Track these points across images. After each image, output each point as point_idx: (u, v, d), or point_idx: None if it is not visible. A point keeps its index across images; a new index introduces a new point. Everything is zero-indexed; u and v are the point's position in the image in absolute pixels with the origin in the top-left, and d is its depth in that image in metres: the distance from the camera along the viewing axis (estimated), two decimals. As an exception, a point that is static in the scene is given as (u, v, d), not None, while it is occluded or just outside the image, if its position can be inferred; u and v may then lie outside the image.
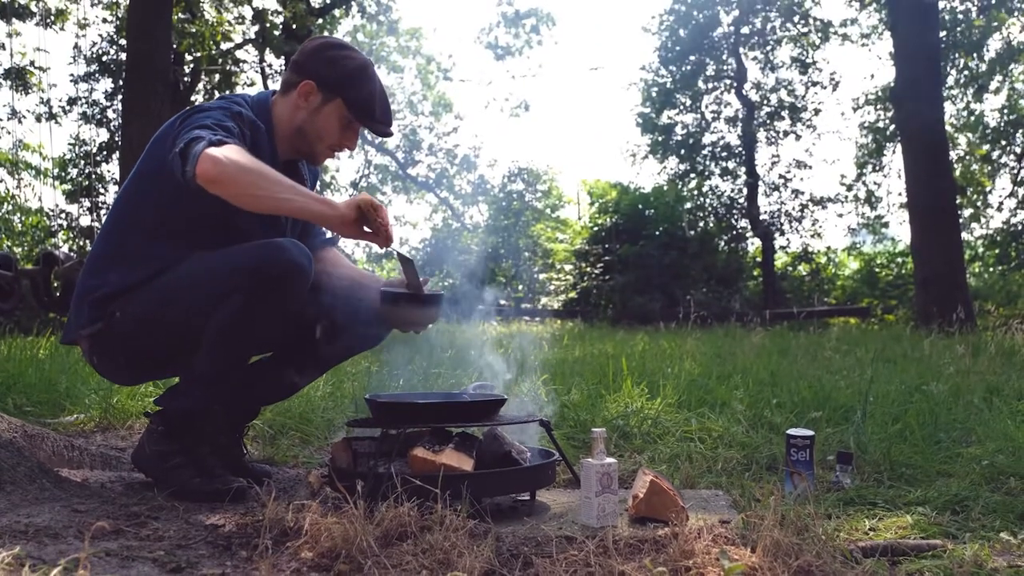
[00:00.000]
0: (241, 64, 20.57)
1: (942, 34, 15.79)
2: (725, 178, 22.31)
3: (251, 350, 2.61)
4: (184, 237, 2.60)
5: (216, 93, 19.66)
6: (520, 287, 21.92)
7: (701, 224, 20.75)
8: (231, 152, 2.31)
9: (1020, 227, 19.80)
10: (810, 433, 2.74)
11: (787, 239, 21.69)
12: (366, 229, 2.45)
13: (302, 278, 2.52)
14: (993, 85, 19.17)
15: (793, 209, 21.59)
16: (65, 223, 17.85)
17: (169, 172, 2.42)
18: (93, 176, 18.45)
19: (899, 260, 20.69)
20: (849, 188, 21.74)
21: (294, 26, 17.81)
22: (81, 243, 16.35)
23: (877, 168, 21.42)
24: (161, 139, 2.58)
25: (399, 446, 2.44)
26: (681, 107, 22.54)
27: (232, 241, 2.54)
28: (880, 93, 20.38)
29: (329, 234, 3.00)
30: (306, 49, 2.74)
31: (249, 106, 2.69)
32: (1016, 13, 17.53)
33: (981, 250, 20.74)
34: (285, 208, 2.40)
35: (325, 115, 2.70)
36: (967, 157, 20.27)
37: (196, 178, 2.29)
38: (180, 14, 15.49)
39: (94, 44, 18.43)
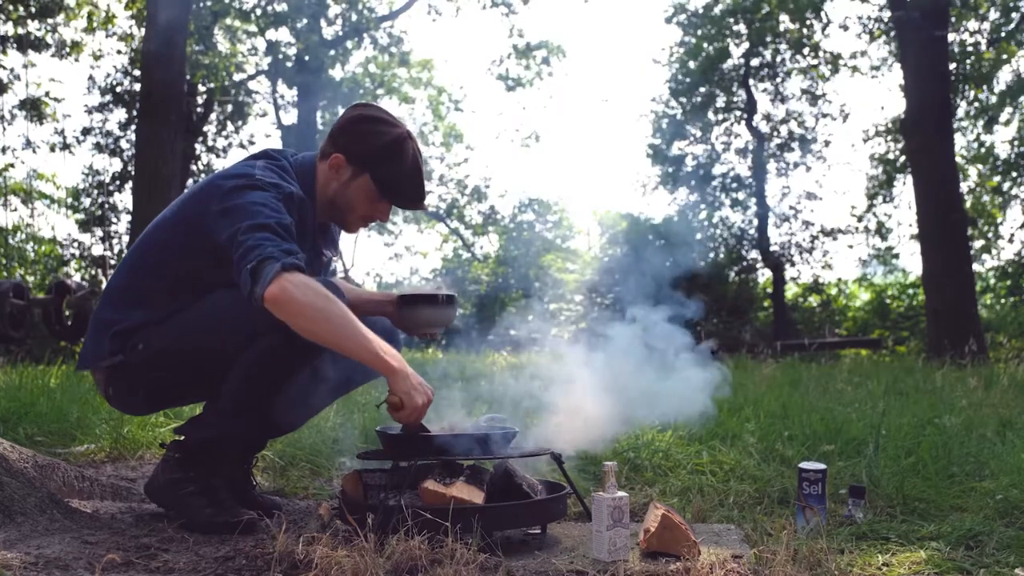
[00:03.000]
0: (254, 95, 20.80)
1: (952, 66, 15.80)
2: (735, 209, 22.34)
3: (282, 386, 2.60)
4: (208, 290, 2.60)
5: (228, 124, 19.88)
6: (530, 318, 21.91)
7: (711, 255, 20.75)
8: (300, 283, 2.31)
9: (1032, 259, 19.72)
10: (822, 466, 2.72)
11: (797, 270, 21.69)
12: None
13: None
14: (1003, 117, 19.14)
15: (803, 240, 21.58)
16: (77, 252, 18.01)
17: (206, 233, 2.47)
18: (106, 206, 18.61)
19: (910, 291, 20.63)
20: (859, 219, 21.71)
21: (307, 58, 18.00)
22: (93, 272, 16.46)
23: (887, 199, 21.38)
24: (204, 196, 2.57)
25: (410, 478, 2.43)
26: (691, 138, 22.64)
27: None
28: (890, 124, 20.38)
29: (340, 275, 3.01)
30: (342, 119, 2.74)
31: (293, 169, 2.69)
32: (1026, 46, 17.55)
33: (993, 282, 20.64)
34: (342, 349, 2.39)
35: (354, 189, 2.70)
36: (978, 188, 20.22)
37: (263, 300, 2.29)
38: (194, 45, 15.66)
39: (108, 75, 18.65)
